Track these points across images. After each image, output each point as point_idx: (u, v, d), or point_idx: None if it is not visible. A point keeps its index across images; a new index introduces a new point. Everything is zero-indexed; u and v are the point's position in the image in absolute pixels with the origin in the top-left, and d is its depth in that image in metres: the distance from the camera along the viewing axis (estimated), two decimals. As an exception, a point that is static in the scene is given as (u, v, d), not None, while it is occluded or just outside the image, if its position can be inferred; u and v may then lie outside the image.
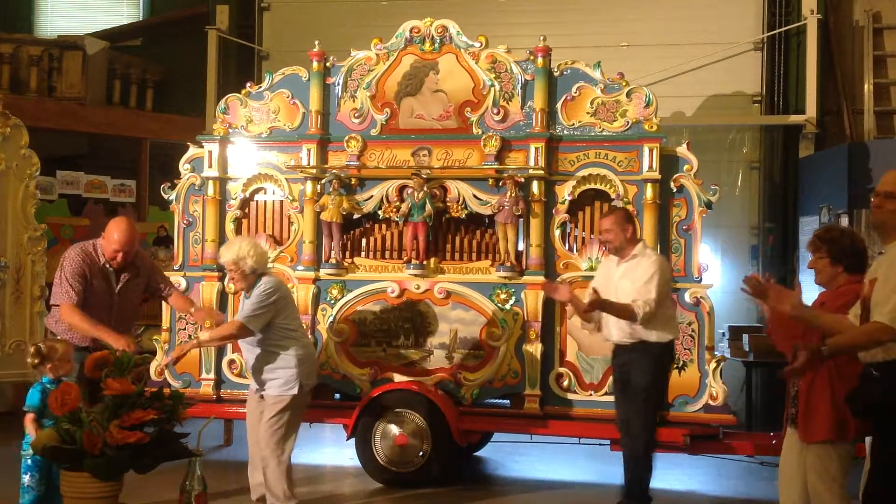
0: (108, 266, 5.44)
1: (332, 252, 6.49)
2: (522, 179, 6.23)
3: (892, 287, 3.57)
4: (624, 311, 5.31)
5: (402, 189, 6.44)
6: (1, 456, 6.10)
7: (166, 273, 6.79)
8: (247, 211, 6.75)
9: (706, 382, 6.05)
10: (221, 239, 6.66)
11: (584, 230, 6.33)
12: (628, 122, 6.25)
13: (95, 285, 5.37)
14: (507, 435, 6.63)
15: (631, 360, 5.34)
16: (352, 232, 6.60)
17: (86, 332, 5.28)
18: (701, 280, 6.10)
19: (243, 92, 6.82)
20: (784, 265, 9.11)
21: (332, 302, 6.50)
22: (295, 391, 5.17)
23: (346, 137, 6.52)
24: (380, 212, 6.49)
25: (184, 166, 6.79)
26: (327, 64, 6.66)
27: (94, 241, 5.50)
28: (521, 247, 6.38)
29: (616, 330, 5.41)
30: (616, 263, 5.46)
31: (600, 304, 5.31)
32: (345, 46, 6.92)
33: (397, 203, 6.42)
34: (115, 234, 5.40)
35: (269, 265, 5.94)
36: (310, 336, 6.23)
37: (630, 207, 6.12)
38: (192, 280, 6.62)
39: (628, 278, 5.31)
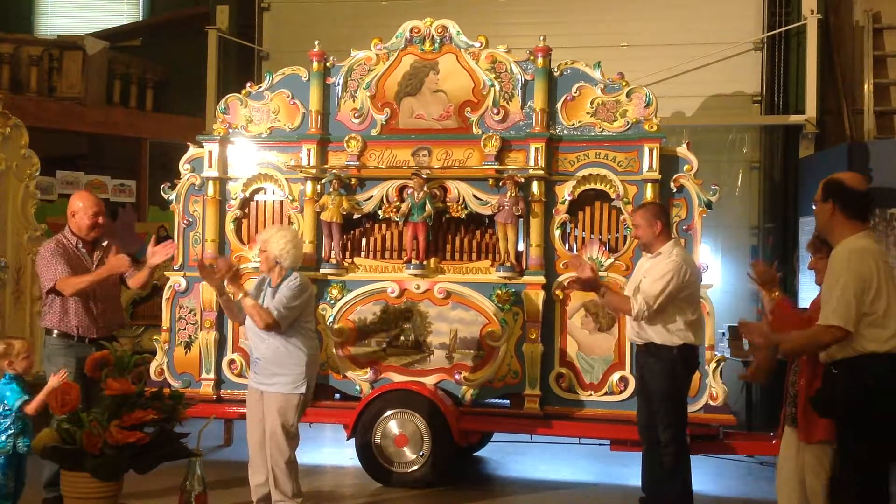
0: (80, 247, 5.49)
1: (332, 252, 6.49)
2: (522, 179, 6.23)
3: (830, 290, 3.73)
4: (621, 304, 5.31)
5: (402, 189, 6.44)
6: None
7: (166, 273, 6.81)
8: (247, 211, 6.75)
9: (706, 382, 6.06)
10: (221, 239, 6.68)
11: (584, 230, 6.33)
12: (628, 122, 6.25)
13: (74, 271, 5.39)
14: (507, 435, 6.63)
15: (645, 364, 5.33)
16: (352, 232, 6.60)
17: (89, 283, 5.35)
18: (701, 280, 6.09)
19: (243, 92, 6.82)
20: (784, 265, 9.10)
21: (332, 302, 6.50)
22: (303, 390, 5.19)
23: (346, 137, 6.52)
24: (380, 212, 6.49)
25: (184, 166, 6.79)
26: (327, 64, 6.66)
27: (60, 233, 5.59)
28: (521, 247, 6.38)
29: (630, 327, 5.44)
30: (647, 259, 5.41)
31: (597, 286, 5.33)
32: (345, 46, 6.92)
33: (397, 203, 6.42)
34: (83, 203, 5.52)
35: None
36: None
37: (629, 207, 6.13)
38: (193, 280, 6.62)
39: (649, 276, 5.25)
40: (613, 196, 6.22)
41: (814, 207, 4.02)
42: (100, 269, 5.46)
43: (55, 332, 5.41)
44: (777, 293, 4.59)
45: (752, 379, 4.26)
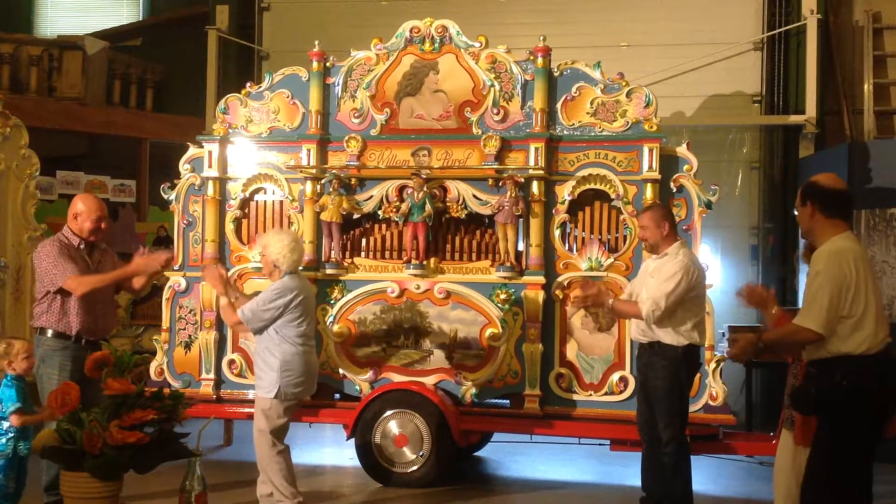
0: (81, 247, 5.32)
1: (332, 252, 6.49)
2: (522, 179, 6.23)
3: (808, 292, 3.82)
4: (631, 309, 5.32)
5: (402, 189, 6.44)
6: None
7: (166, 273, 6.81)
8: (247, 211, 6.75)
9: (706, 382, 6.05)
10: (221, 239, 6.67)
11: (584, 230, 6.33)
12: (628, 122, 6.25)
13: (79, 269, 5.20)
14: (507, 435, 6.63)
15: (649, 363, 5.32)
16: (352, 232, 6.60)
17: (107, 282, 5.24)
18: (705, 280, 6.09)
19: (243, 92, 6.81)
20: (784, 265, 9.11)
21: (332, 302, 6.50)
22: (272, 395, 5.15)
23: (346, 137, 6.51)
24: (380, 212, 6.48)
25: (184, 166, 6.79)
26: (327, 64, 6.65)
27: (59, 233, 5.39)
28: (520, 247, 6.38)
29: (634, 326, 5.44)
30: (653, 261, 5.43)
31: (604, 300, 5.34)
32: (345, 46, 6.92)
33: (397, 203, 6.42)
34: (87, 207, 5.33)
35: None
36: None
37: (630, 208, 6.13)
38: (193, 280, 6.62)
39: (655, 277, 5.25)
40: (613, 196, 6.21)
41: (795, 213, 4.09)
42: (126, 267, 5.32)
43: (50, 331, 5.17)
44: (775, 310, 4.57)
45: (734, 357, 4.38)
